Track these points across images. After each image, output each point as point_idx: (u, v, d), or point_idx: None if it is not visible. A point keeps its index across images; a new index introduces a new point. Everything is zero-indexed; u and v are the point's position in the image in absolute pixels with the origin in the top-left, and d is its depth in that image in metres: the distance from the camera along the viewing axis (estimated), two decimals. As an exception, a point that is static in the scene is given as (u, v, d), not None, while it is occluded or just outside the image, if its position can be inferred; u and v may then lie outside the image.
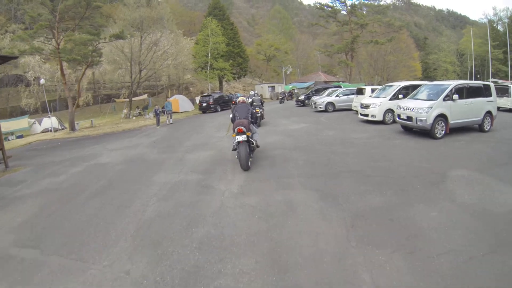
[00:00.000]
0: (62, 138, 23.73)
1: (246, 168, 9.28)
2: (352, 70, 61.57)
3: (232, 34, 48.58)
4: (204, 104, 33.94)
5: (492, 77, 63.58)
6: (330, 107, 25.08)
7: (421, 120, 12.41)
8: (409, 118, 13.09)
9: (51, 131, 28.70)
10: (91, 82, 45.57)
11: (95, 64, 30.15)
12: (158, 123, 24.89)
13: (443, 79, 74.64)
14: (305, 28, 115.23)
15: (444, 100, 12.42)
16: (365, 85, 25.68)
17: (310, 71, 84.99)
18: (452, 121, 12.55)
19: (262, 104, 21.44)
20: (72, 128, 26.86)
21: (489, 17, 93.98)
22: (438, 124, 12.32)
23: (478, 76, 79.96)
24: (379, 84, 51.01)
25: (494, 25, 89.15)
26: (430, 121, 12.18)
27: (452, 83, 13.05)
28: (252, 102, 20.60)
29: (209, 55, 41.99)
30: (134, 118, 35.38)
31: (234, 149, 9.70)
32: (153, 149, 14.43)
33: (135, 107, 40.26)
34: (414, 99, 13.87)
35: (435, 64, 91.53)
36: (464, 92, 12.96)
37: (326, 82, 59.99)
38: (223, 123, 22.38)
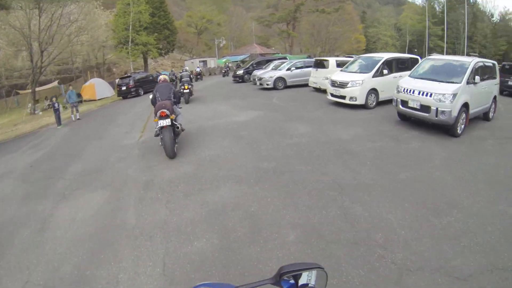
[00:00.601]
0: None
1: (172, 155, 8.74)
2: (293, 41, 56.73)
3: (158, 3, 41.73)
4: (123, 88, 28.05)
5: (429, 52, 65.96)
6: (281, 84, 20.79)
7: (443, 113, 8.85)
8: (424, 108, 9.30)
9: None
10: None
11: None
12: (59, 121, 18.85)
13: (382, 52, 73.59)
14: (239, 1, 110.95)
15: (467, 83, 9.16)
16: (325, 57, 21.35)
17: (244, 44, 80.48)
18: (471, 110, 9.56)
19: (191, 80, 21.42)
20: None
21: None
22: (460, 116, 9.07)
23: (415, 50, 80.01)
24: (320, 56, 47.74)
25: (432, 3, 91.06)
26: (455, 113, 8.86)
27: (471, 60, 9.76)
28: (181, 78, 20.59)
29: (130, 27, 35.54)
30: (41, 113, 28.68)
31: (157, 135, 9.21)
32: (16, 190, 8.40)
33: (43, 98, 33.25)
34: (424, 78, 10.03)
35: (375, 37, 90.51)
36: (480, 73, 9.69)
37: (262, 55, 58.50)
38: (142, 112, 17.85)
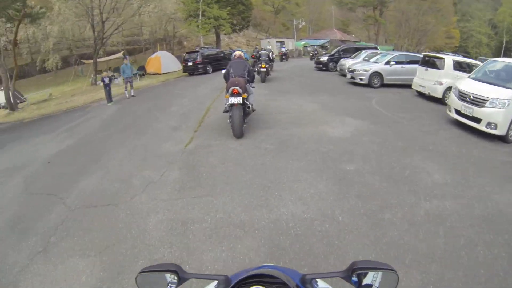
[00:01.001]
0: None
1: (239, 135, 8.26)
2: (379, 29, 50.64)
3: None
4: (190, 64, 24.97)
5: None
6: (377, 81, 16.29)
7: None
8: None
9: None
10: (59, 41, 34.53)
11: (39, 17, 21.85)
12: (108, 98, 16.48)
13: (476, 52, 65.08)
14: None
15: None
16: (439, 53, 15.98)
17: (322, 28, 75.13)
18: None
19: (270, 60, 20.40)
20: (11, 107, 19.67)
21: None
22: None
23: None
24: (407, 50, 41.90)
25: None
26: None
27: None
28: (259, 56, 19.92)
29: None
30: (101, 84, 26.34)
31: (226, 111, 8.43)
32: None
33: (106, 69, 31.12)
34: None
35: (466, 34, 75.97)
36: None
37: (342, 41, 53.85)
38: (204, 96, 14.86)
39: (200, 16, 31.80)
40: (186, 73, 25.70)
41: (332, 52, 24.34)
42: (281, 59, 34.96)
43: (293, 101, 12.19)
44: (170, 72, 28.57)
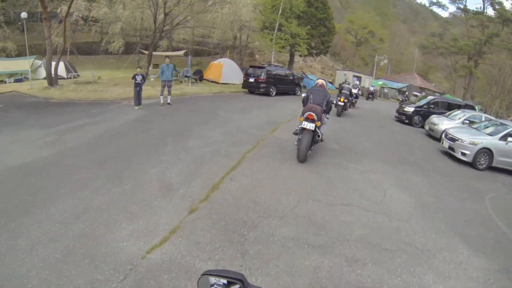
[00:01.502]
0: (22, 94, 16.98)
1: (302, 159, 8.27)
2: (471, 82, 44.63)
3: None
4: (251, 80, 21.32)
5: None
6: (484, 161, 11.83)
7: None
8: None
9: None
10: (127, 27, 32.51)
11: None
12: (137, 100, 13.65)
13: None
14: (401, 23, 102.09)
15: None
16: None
17: (402, 70, 71.34)
18: None
19: (351, 95, 19.83)
20: (50, 82, 18.95)
21: None
22: None
23: None
24: (496, 114, 36.81)
25: None
26: None
27: None
28: (341, 89, 18.86)
29: (280, 11, 28.57)
30: (153, 79, 24.18)
31: (296, 133, 8.72)
32: None
33: (142, 65, 28.59)
34: None
35: None
36: None
37: (421, 88, 53.02)
38: (250, 128, 11.52)
39: (276, 29, 28.37)
40: (245, 90, 22.29)
41: (420, 103, 20.03)
42: (367, 98, 33.85)
43: (371, 177, 8.00)
44: (230, 83, 25.45)
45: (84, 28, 35.82)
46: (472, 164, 11.51)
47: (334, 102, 13.78)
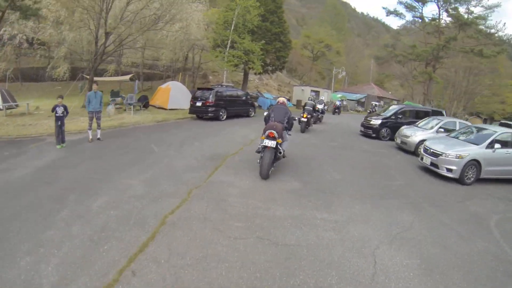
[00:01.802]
0: None
1: (265, 176, 8.41)
2: (430, 87, 43.82)
3: (273, 6, 31.52)
4: (199, 104, 18.98)
5: None
6: (471, 174, 10.34)
7: None
8: None
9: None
10: (70, 52, 30.15)
11: (32, 13, 18.84)
12: (58, 138, 11.06)
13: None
14: (356, 37, 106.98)
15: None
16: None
17: (359, 82, 72.61)
18: None
19: (315, 111, 20.08)
20: None
21: None
22: None
23: None
24: (454, 115, 37.31)
25: None
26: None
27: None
28: (305, 105, 19.40)
29: (233, 26, 26.43)
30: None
31: (258, 152, 8.75)
32: None
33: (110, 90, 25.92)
34: None
35: None
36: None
37: (379, 97, 54.00)
38: (185, 169, 9.19)
39: (228, 46, 26.23)
40: (193, 115, 19.96)
41: (387, 114, 18.31)
42: (333, 112, 34.40)
43: (350, 233, 5.74)
44: (178, 108, 23.07)
45: (30, 52, 33.06)
46: (459, 180, 10.19)
47: (296, 118, 12.60)
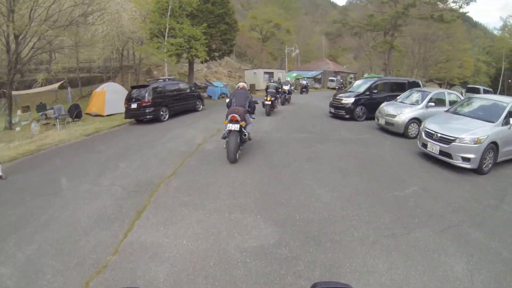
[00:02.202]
0: None
1: (233, 160, 8.53)
2: (390, 57, 41.73)
3: None
4: (134, 106, 15.67)
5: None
6: (489, 160, 8.21)
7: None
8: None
9: None
10: None
11: None
12: None
13: (474, 81, 60.29)
14: (304, 16, 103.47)
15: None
16: None
17: (312, 59, 71.20)
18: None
19: (277, 92, 19.45)
20: None
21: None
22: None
23: (510, 81, 65.78)
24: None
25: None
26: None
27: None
28: (267, 88, 19.10)
29: (169, 12, 22.89)
30: (18, 128, 17.61)
31: (224, 137, 8.75)
32: None
33: (24, 107, 22.20)
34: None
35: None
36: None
37: (335, 73, 53.99)
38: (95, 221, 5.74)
39: (166, 35, 23.01)
40: (132, 120, 16.58)
41: (360, 91, 15.87)
42: (301, 92, 35.25)
43: None
44: (117, 113, 19.52)
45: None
46: (477, 170, 8.05)
47: (259, 102, 12.19)
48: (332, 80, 48.37)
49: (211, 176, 7.68)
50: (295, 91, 32.38)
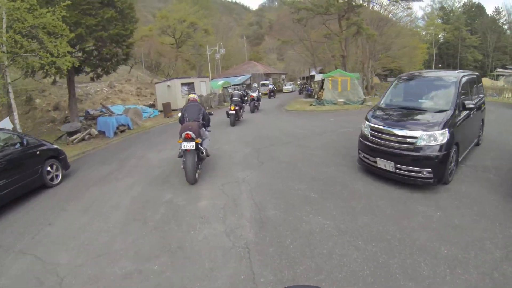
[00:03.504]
0: None
1: (192, 181, 7.77)
2: (347, 46, 32.74)
3: None
4: None
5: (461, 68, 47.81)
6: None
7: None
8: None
9: None
10: None
11: None
12: None
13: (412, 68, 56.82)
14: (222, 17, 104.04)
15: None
16: None
17: (233, 63, 66.14)
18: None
19: (242, 100, 18.57)
20: None
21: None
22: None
23: (440, 66, 71.19)
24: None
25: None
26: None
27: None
28: (232, 96, 18.54)
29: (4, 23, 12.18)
30: None
31: (180, 157, 8.02)
32: None
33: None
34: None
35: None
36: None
37: (267, 75, 51.83)
38: None
39: (4, 30, 12.28)
40: None
41: (445, 102, 7.31)
42: (269, 96, 36.09)
43: None
44: None
45: None
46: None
47: (213, 113, 10.59)
48: (264, 84, 43.86)
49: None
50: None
